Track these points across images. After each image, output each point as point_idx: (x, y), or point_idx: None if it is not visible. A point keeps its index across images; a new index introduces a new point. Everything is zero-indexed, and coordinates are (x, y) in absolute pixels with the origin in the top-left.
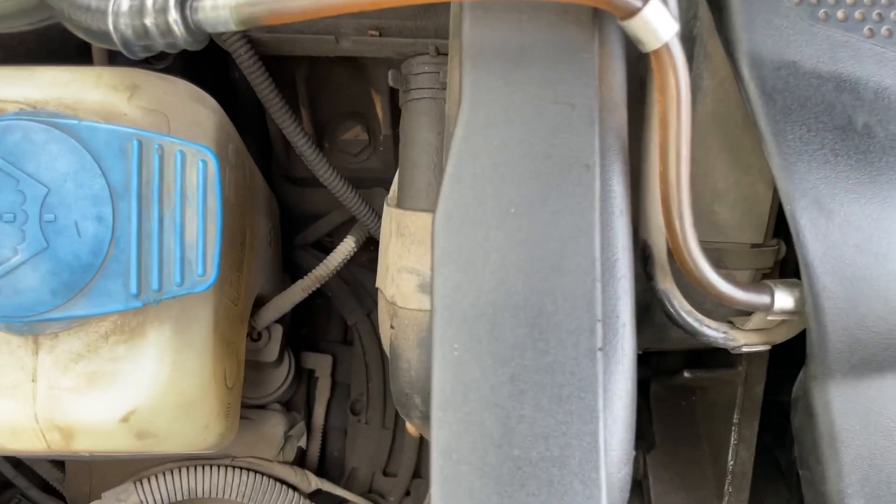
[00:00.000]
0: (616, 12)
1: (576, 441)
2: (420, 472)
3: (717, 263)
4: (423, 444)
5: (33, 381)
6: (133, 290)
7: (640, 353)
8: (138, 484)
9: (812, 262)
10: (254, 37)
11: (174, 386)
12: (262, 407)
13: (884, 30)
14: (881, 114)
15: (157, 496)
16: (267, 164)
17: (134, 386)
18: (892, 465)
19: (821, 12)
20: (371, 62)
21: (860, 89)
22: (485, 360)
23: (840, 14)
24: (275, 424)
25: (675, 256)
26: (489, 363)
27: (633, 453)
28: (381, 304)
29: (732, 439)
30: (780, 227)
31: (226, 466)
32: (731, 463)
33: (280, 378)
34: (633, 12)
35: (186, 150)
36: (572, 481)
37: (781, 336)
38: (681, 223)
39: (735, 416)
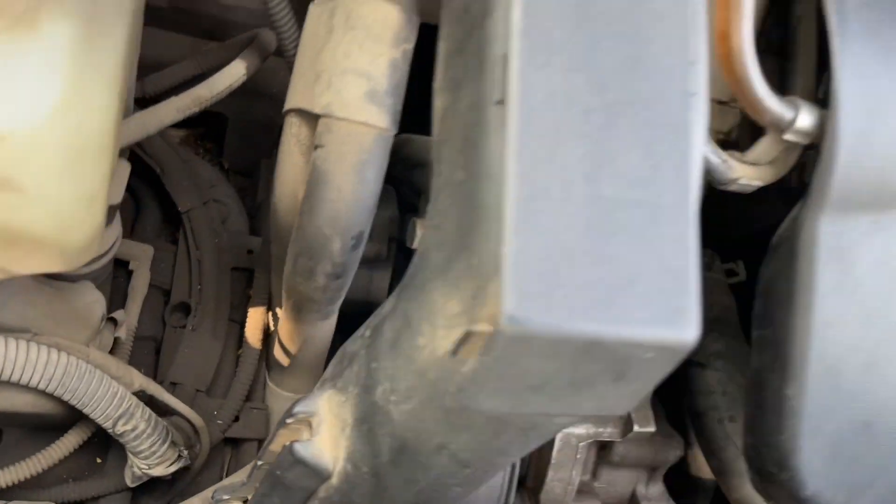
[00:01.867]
0: None
1: (668, 189)
2: (253, 395)
3: None
4: (261, 362)
5: None
6: None
7: None
8: None
9: (841, 86)
10: None
11: (68, 117)
12: (72, 281)
13: None
14: None
15: None
16: None
17: (15, 100)
18: (855, 319)
19: None
20: None
21: None
22: (578, 80)
23: None
24: (92, 301)
25: (721, 41)
26: (583, 84)
27: None
28: (290, 132)
29: None
30: None
31: (26, 341)
32: None
33: (107, 242)
34: None
35: None
36: (663, 239)
37: (772, 175)
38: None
39: None
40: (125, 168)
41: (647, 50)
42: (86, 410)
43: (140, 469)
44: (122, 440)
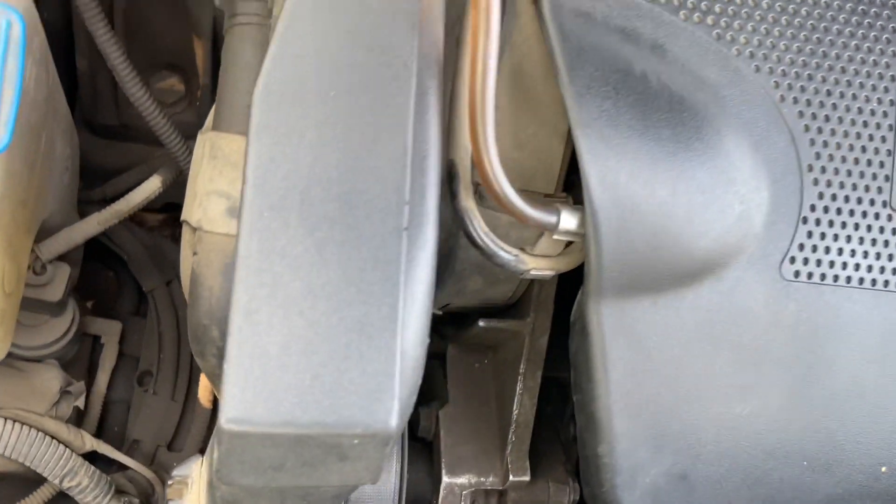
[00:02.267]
0: None
1: (375, 310)
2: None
3: None
4: (213, 419)
5: None
6: None
7: (441, 312)
8: None
9: (591, 184)
10: None
11: None
12: (38, 361)
13: None
14: (655, 66)
15: None
16: (70, 105)
17: None
18: (651, 384)
19: None
20: (196, 3)
21: (640, 42)
22: (294, 228)
23: None
24: (50, 378)
25: (477, 166)
26: (298, 232)
27: (428, 340)
28: (185, 238)
29: (518, 389)
30: (569, 185)
31: None
32: (516, 412)
33: (61, 329)
34: None
35: None
36: (369, 347)
37: (564, 265)
38: (483, 133)
39: (521, 367)
40: (64, 271)
41: (362, 191)
42: (38, 469)
43: None
44: (70, 493)
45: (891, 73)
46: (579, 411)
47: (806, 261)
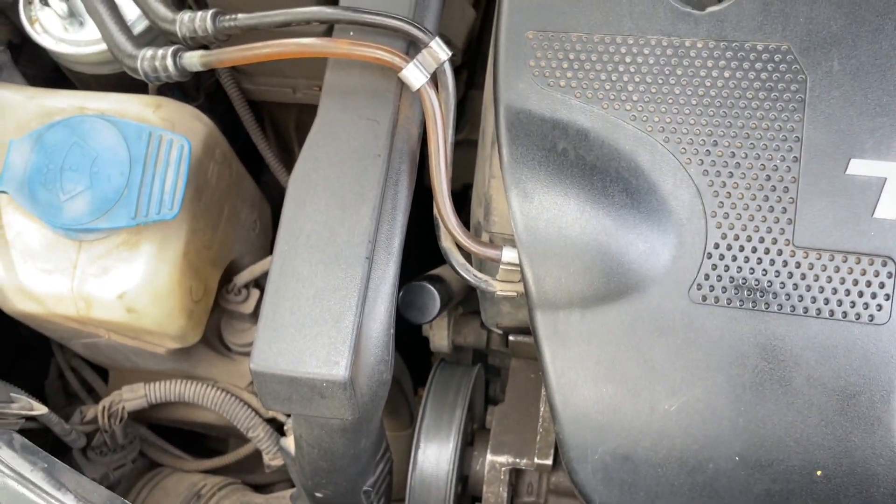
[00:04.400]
0: (392, 67)
1: (341, 306)
2: None
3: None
4: None
5: (74, 267)
6: (132, 214)
7: (500, 331)
8: (147, 385)
9: (519, 230)
10: (241, 86)
11: (151, 281)
12: (244, 354)
13: (586, 92)
14: (576, 143)
15: (157, 394)
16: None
17: (128, 276)
18: (585, 378)
19: (549, 81)
20: None
21: (567, 128)
22: (300, 254)
23: (561, 82)
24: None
25: (438, 214)
26: (303, 256)
27: (393, 328)
28: None
29: (543, 392)
30: None
31: (208, 384)
32: (543, 409)
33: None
34: (398, 69)
35: (174, 139)
36: (334, 326)
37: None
38: (441, 195)
39: None
40: (255, 293)
41: (341, 233)
42: (234, 422)
43: (269, 460)
44: (253, 442)
45: (795, 135)
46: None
47: (712, 287)
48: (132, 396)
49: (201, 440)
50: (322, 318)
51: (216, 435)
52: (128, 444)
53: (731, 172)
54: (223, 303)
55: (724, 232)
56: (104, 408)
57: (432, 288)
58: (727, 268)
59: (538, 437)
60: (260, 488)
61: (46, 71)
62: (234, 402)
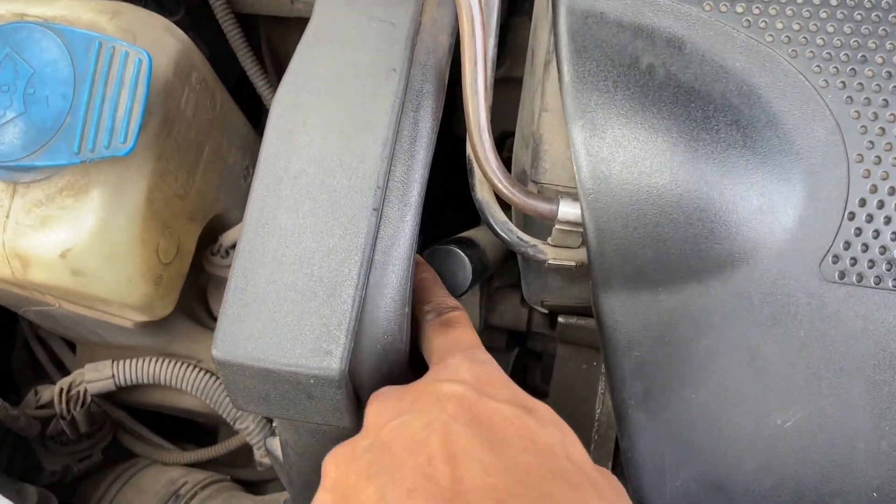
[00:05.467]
0: None
1: (337, 275)
2: None
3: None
4: None
5: (6, 216)
6: (75, 149)
7: (545, 310)
8: (115, 363)
9: (583, 176)
10: None
11: (103, 236)
12: None
13: None
14: (666, 58)
15: (126, 375)
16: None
17: (73, 230)
18: (668, 379)
19: None
20: None
21: (655, 37)
22: (284, 204)
23: None
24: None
25: (473, 154)
26: (287, 206)
27: (408, 307)
28: None
29: (600, 388)
30: None
31: (188, 364)
32: (598, 411)
33: None
34: None
35: (129, 51)
36: (326, 305)
37: (584, 256)
38: (478, 129)
39: (602, 366)
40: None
41: (340, 176)
42: (218, 411)
43: (260, 457)
44: (241, 433)
45: None
46: (611, 398)
47: (853, 261)
48: (96, 377)
49: (191, 425)
50: (311, 291)
51: (203, 422)
52: (96, 432)
53: (885, 101)
54: (208, 266)
55: (875, 183)
56: (62, 390)
57: (462, 254)
58: (876, 234)
59: (591, 446)
60: (253, 486)
61: None
62: (219, 387)
